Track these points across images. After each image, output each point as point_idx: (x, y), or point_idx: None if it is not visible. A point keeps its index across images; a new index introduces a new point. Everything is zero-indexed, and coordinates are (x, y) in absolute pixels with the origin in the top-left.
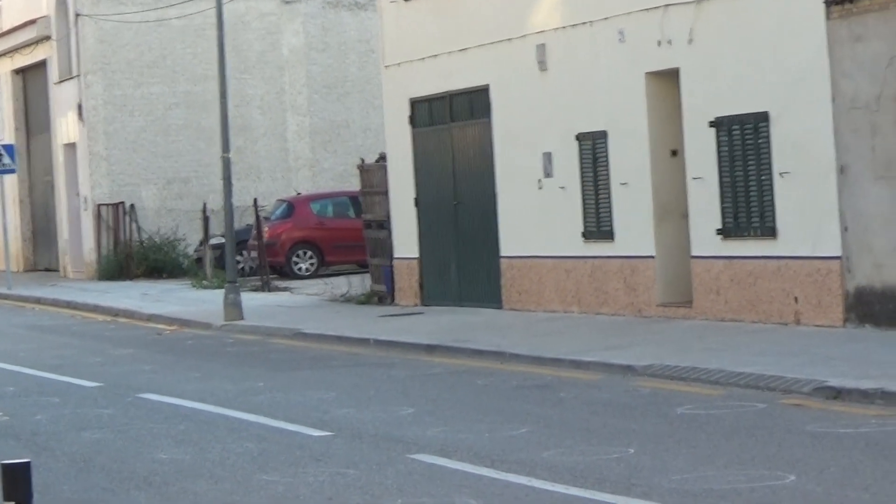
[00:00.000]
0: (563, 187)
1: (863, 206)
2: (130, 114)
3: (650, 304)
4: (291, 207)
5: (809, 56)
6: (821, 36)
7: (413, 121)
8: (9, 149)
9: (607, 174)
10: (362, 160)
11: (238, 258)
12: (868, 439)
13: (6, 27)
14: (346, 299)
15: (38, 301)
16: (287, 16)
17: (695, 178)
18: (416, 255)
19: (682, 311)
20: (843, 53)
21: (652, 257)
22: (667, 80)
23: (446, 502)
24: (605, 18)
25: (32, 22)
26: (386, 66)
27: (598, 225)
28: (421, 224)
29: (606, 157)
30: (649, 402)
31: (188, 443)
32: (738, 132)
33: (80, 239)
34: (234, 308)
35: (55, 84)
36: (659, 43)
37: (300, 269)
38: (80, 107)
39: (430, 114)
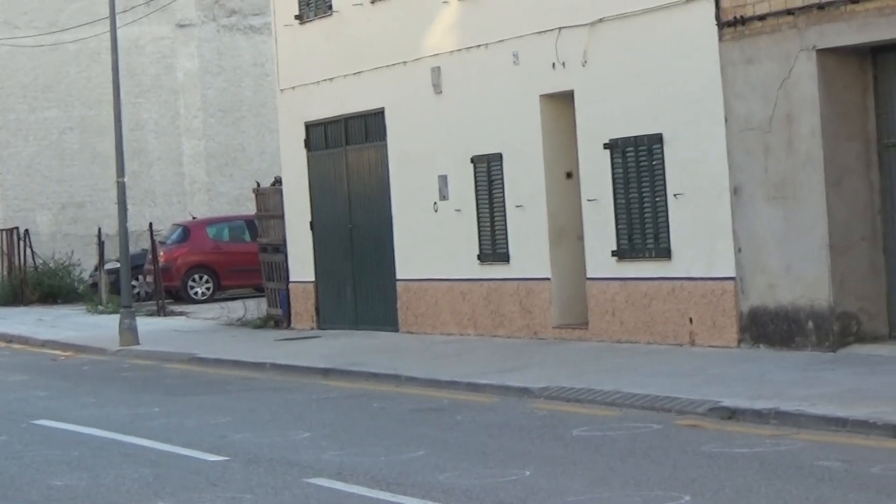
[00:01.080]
0: (458, 210)
1: (756, 226)
2: (24, 138)
3: (546, 326)
4: (187, 232)
5: (702, 78)
6: (714, 58)
7: (308, 144)
8: None
9: (503, 196)
10: (258, 184)
11: (133, 283)
12: (762, 459)
13: None
14: (242, 323)
15: None
16: (182, 40)
17: (590, 200)
18: (312, 278)
19: (578, 333)
20: (735, 75)
21: (547, 279)
22: (561, 103)
23: None
24: (500, 41)
25: None
26: (281, 90)
27: (493, 247)
28: (317, 247)
29: (502, 179)
30: (545, 424)
31: (83, 469)
32: (632, 154)
33: None
34: (129, 333)
35: None
36: (553, 65)
37: (196, 293)
38: None
39: (326, 137)
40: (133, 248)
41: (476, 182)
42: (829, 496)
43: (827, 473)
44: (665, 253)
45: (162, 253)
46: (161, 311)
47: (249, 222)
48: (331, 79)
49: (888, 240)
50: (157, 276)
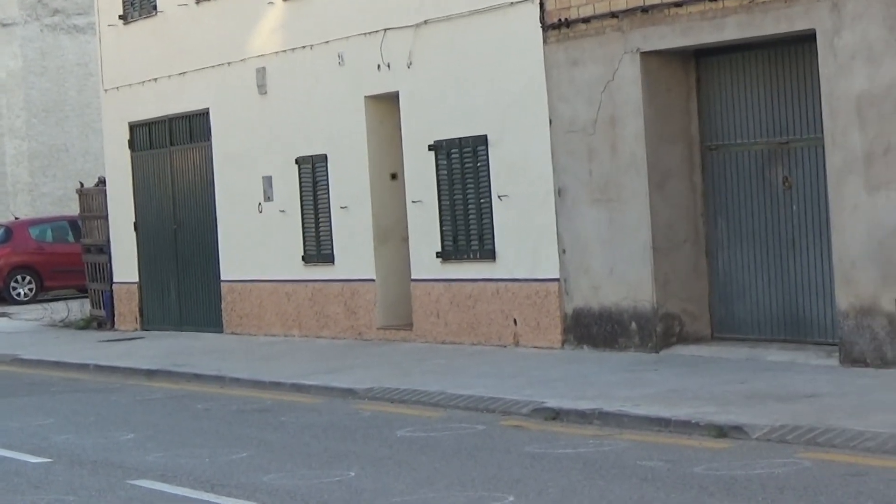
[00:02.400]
0: (283, 211)
1: (580, 228)
2: None
3: (371, 328)
4: (9, 232)
5: (527, 80)
6: (538, 60)
7: (132, 145)
8: None
9: (327, 198)
10: (81, 184)
11: None
12: (586, 459)
13: None
14: (66, 324)
15: None
16: (4, 39)
17: (414, 202)
18: (136, 279)
19: (403, 334)
20: (560, 77)
21: (372, 280)
22: (387, 104)
23: None
24: (325, 42)
25: None
26: (105, 90)
27: (318, 248)
28: (141, 248)
29: (327, 180)
30: (370, 425)
31: None
32: (457, 155)
33: None
34: None
35: None
36: (378, 67)
37: (19, 294)
38: None
39: (150, 137)
40: None
41: (301, 183)
42: (651, 496)
43: (650, 473)
44: (489, 254)
45: None
46: None
47: (73, 223)
48: (155, 79)
49: (710, 241)
50: None
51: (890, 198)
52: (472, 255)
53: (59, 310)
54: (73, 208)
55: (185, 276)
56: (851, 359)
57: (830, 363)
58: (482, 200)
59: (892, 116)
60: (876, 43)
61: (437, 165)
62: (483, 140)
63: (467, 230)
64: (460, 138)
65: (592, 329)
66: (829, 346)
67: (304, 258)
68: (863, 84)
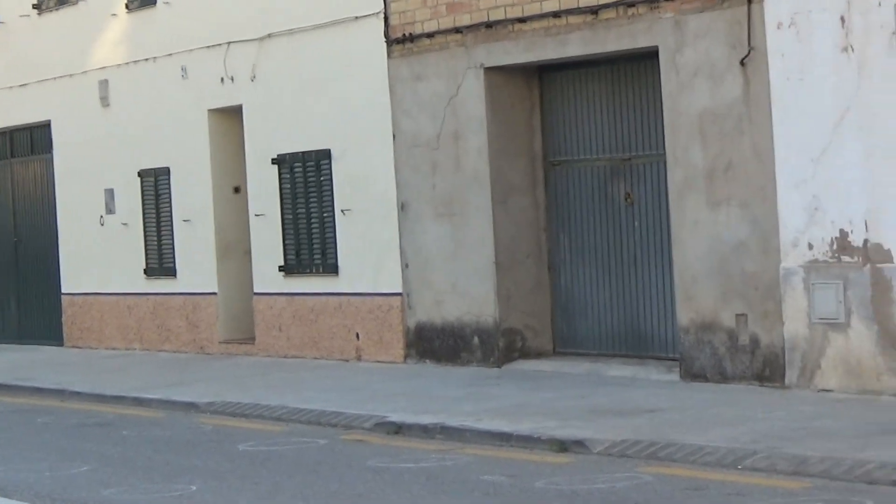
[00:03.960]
0: (125, 224)
1: (423, 243)
2: None
3: (212, 341)
4: None
5: (371, 94)
6: (382, 75)
7: None
8: None
9: (170, 211)
10: None
11: None
12: (428, 473)
13: None
14: None
15: None
16: None
17: (257, 215)
18: None
19: (245, 348)
20: (404, 92)
21: (214, 294)
22: (230, 117)
23: None
24: (169, 55)
25: None
26: None
27: (160, 261)
28: None
29: (169, 193)
30: (212, 439)
31: None
32: (300, 169)
33: None
34: None
35: None
36: (222, 80)
37: None
38: None
39: None
40: None
41: (143, 196)
42: None
43: (492, 488)
44: (332, 268)
45: None
46: None
47: None
48: None
49: (553, 257)
50: None
51: (731, 214)
52: (314, 269)
53: None
54: None
55: (25, 289)
56: (692, 374)
57: (671, 378)
58: (325, 214)
59: (733, 134)
60: (718, 61)
61: (280, 179)
62: (326, 154)
63: (310, 244)
64: (304, 152)
65: (435, 343)
66: (669, 361)
67: (146, 271)
68: (705, 101)
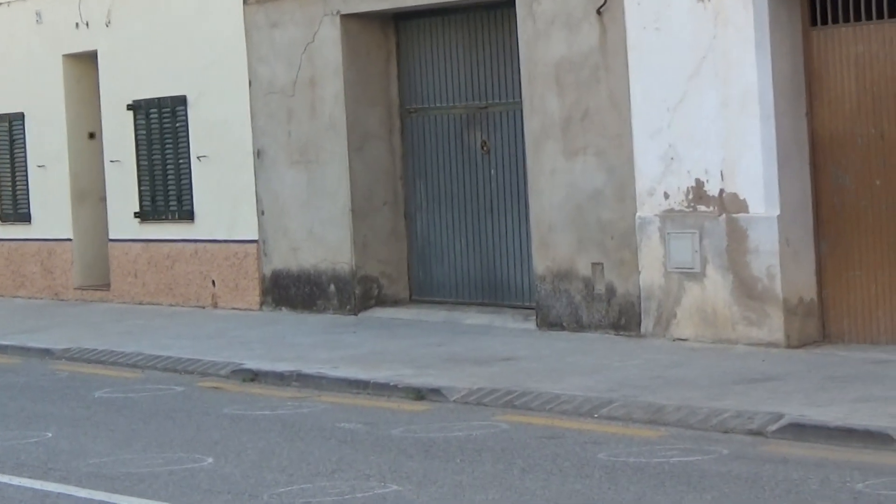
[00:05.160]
0: None
1: (279, 190)
2: None
3: (68, 288)
4: None
5: (227, 41)
6: (238, 21)
7: None
8: None
9: (24, 156)
10: None
11: None
12: (284, 421)
13: None
14: None
15: None
16: None
17: (112, 162)
18: None
19: (100, 295)
20: (260, 39)
21: (70, 240)
22: (85, 63)
23: None
24: (23, 0)
25: None
26: None
27: (14, 207)
28: None
29: (24, 139)
30: (67, 386)
31: None
32: (156, 115)
33: None
34: None
35: None
36: (77, 25)
37: None
38: None
39: None
40: None
41: None
42: (350, 458)
43: (349, 435)
44: (188, 215)
45: None
46: None
47: None
48: None
49: (409, 204)
50: None
51: (587, 163)
52: (170, 216)
53: None
54: None
55: None
56: (548, 322)
57: (527, 326)
58: (181, 161)
59: (590, 82)
60: (575, 9)
61: (135, 125)
62: (182, 100)
63: (166, 191)
64: (159, 98)
65: (291, 291)
66: (526, 309)
67: (0, 217)
68: (561, 50)
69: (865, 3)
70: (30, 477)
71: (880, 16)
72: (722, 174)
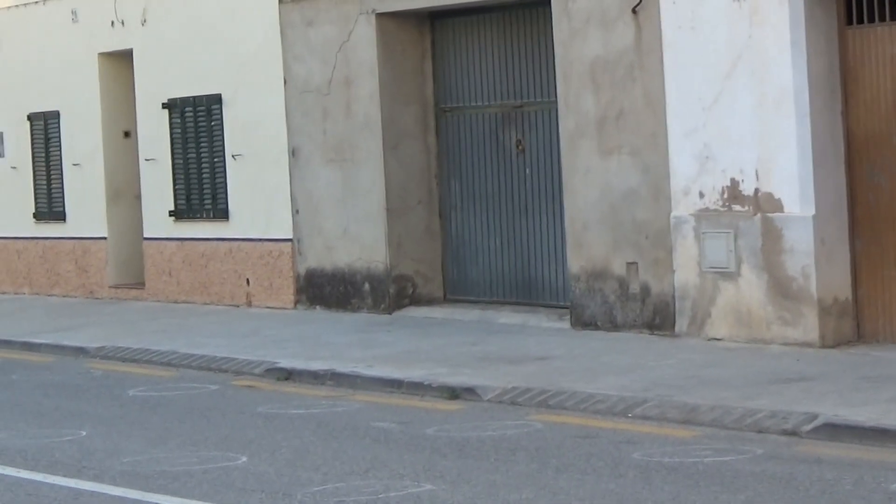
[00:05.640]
0: (14, 167)
1: (313, 188)
2: None
3: (102, 286)
4: None
5: (262, 39)
6: (273, 19)
7: None
8: None
9: (59, 155)
10: None
11: None
12: (319, 420)
13: None
14: None
15: None
16: None
17: (147, 160)
18: None
19: (135, 293)
20: (295, 37)
21: (104, 238)
22: (120, 61)
23: None
24: None
25: None
26: None
27: (49, 206)
28: None
29: (59, 137)
30: (101, 385)
31: None
32: (191, 114)
33: None
34: None
35: None
36: (112, 23)
37: None
38: None
39: None
40: None
41: (33, 139)
42: (385, 457)
43: (382, 434)
44: (223, 214)
45: None
46: None
47: None
48: None
49: (443, 203)
50: None
51: (622, 162)
52: (205, 215)
53: None
54: None
55: None
56: (582, 322)
57: (562, 326)
58: (216, 159)
59: (624, 82)
60: (610, 8)
61: (170, 124)
62: (217, 99)
63: (200, 189)
64: (194, 97)
65: (325, 290)
66: (560, 308)
67: (35, 215)
68: (596, 49)
69: None
70: (64, 475)
71: None
72: (757, 173)
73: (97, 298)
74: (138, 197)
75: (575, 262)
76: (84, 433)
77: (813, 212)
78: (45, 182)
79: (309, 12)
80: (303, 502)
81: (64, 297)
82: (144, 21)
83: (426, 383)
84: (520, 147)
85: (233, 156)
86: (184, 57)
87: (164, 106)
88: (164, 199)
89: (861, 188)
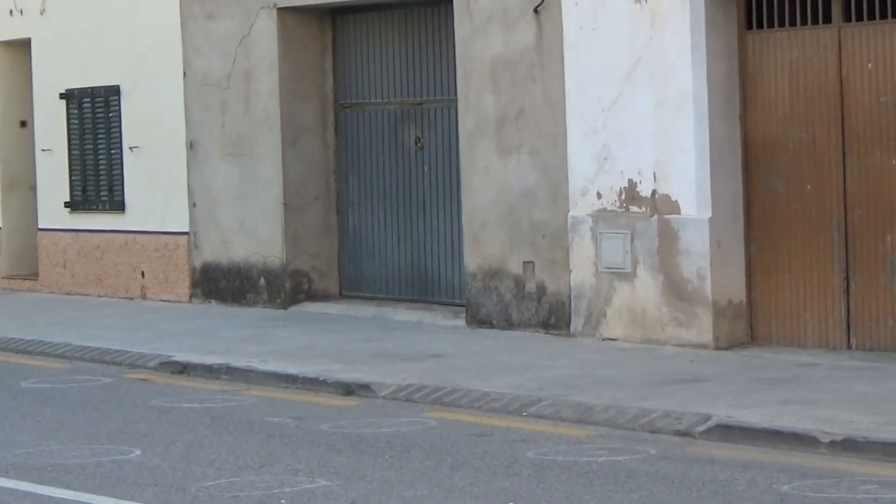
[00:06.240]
0: None
1: (211, 182)
2: None
3: None
4: None
5: (162, 31)
6: (174, 12)
7: None
8: None
9: None
10: None
11: None
12: (213, 414)
13: None
14: None
15: None
16: None
17: (43, 150)
18: None
19: (28, 284)
20: (195, 30)
21: None
22: (18, 51)
23: None
24: None
25: None
26: None
27: None
28: None
29: None
30: None
31: None
32: (88, 105)
33: None
34: None
35: None
36: (11, 12)
37: None
38: None
39: None
40: None
41: None
42: (279, 452)
43: (277, 430)
44: (119, 206)
45: None
46: None
47: None
48: None
49: (341, 200)
50: None
51: (520, 161)
52: (101, 207)
53: None
54: None
55: None
56: (478, 320)
57: (457, 324)
58: (113, 151)
59: (525, 81)
60: (512, 7)
61: (68, 114)
62: (116, 90)
63: (97, 181)
64: (93, 88)
65: (221, 284)
66: (456, 306)
67: None
68: (497, 48)
69: (801, 9)
70: None
71: (815, 21)
72: (655, 175)
73: None
74: (33, 188)
75: (472, 261)
76: None
77: (709, 214)
78: None
79: (210, 5)
80: (197, 497)
81: None
82: (43, 10)
83: (321, 379)
84: (419, 144)
85: (130, 148)
86: (82, 47)
87: (62, 96)
88: (59, 191)
89: (757, 192)
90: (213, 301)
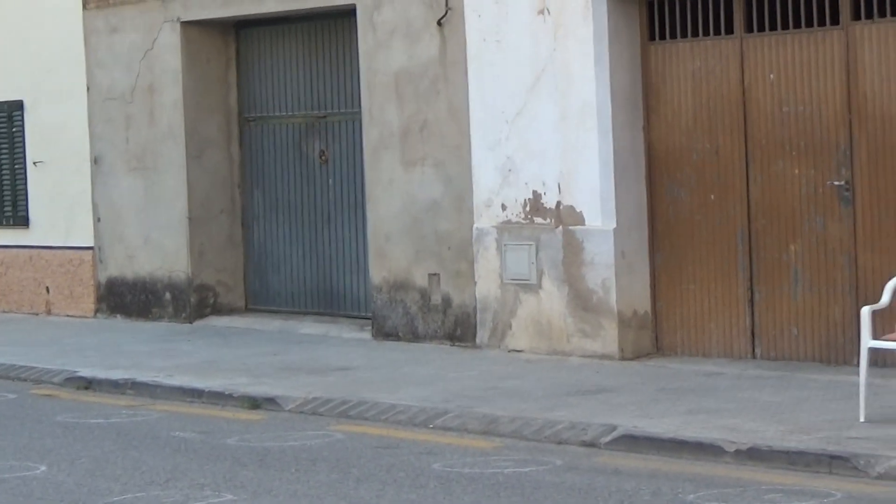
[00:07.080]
0: None
1: (116, 196)
2: None
3: None
4: None
5: (65, 45)
6: (77, 25)
7: None
8: None
9: None
10: None
11: None
12: (119, 429)
13: None
14: None
15: None
16: None
17: None
18: None
19: None
20: (99, 44)
21: None
22: None
23: None
24: None
25: None
26: None
27: None
28: None
29: None
30: None
31: None
32: None
33: None
34: None
35: None
36: None
37: None
38: None
39: None
40: None
41: None
42: (185, 466)
43: (183, 444)
44: (23, 221)
45: None
46: None
47: None
48: None
49: (246, 213)
50: None
51: (425, 173)
52: (4, 222)
53: None
54: None
55: None
56: (384, 333)
57: (363, 336)
58: (16, 166)
59: (429, 93)
60: (415, 20)
61: None
62: (19, 105)
63: (0, 196)
64: None
65: (126, 298)
66: (362, 319)
67: None
68: (401, 61)
69: (703, 19)
70: None
71: (717, 32)
72: (559, 187)
73: None
74: None
75: (377, 273)
76: None
77: (614, 225)
78: None
79: (113, 19)
80: None
81: None
82: None
83: (227, 393)
84: (323, 157)
85: (34, 162)
86: None
87: None
88: None
89: (661, 202)
90: (118, 316)
